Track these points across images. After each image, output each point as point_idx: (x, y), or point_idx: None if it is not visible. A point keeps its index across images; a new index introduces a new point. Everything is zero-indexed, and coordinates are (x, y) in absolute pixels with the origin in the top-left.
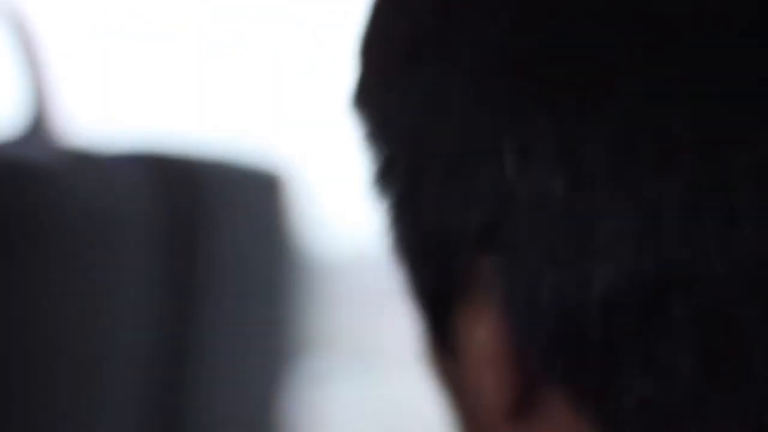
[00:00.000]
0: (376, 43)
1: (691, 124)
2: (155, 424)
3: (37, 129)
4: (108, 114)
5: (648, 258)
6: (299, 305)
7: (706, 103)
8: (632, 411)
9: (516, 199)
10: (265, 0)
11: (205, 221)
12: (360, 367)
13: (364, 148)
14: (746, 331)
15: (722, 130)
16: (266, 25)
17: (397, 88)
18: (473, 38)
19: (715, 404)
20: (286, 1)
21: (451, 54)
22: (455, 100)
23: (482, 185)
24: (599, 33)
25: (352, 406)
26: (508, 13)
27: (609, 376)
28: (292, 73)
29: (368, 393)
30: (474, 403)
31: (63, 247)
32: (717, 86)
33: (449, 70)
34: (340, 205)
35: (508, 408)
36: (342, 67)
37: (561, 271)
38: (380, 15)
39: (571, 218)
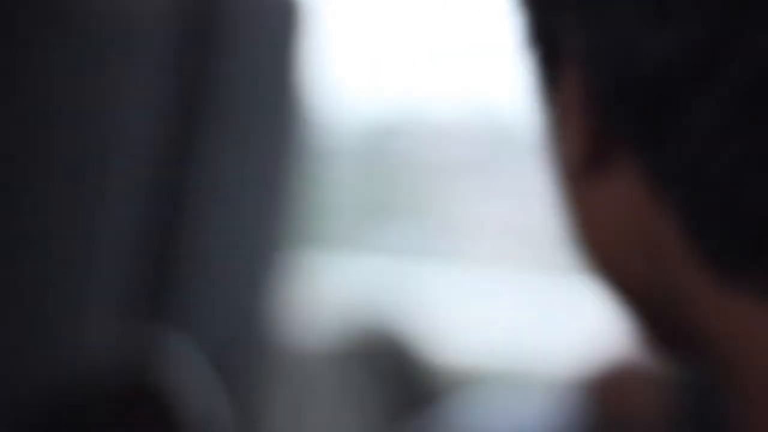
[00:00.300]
0: None
1: None
2: (153, 243)
3: None
4: None
5: (701, 23)
6: (305, 145)
7: None
8: (681, 169)
9: None
10: None
11: (218, 38)
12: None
13: None
14: None
15: None
16: None
17: None
18: None
19: (761, 170)
20: None
21: None
22: None
23: None
24: None
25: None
26: None
27: (661, 133)
28: None
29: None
30: (561, 152)
31: (75, 41)
32: None
33: None
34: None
35: (582, 159)
36: None
37: (626, 27)
38: None
39: None
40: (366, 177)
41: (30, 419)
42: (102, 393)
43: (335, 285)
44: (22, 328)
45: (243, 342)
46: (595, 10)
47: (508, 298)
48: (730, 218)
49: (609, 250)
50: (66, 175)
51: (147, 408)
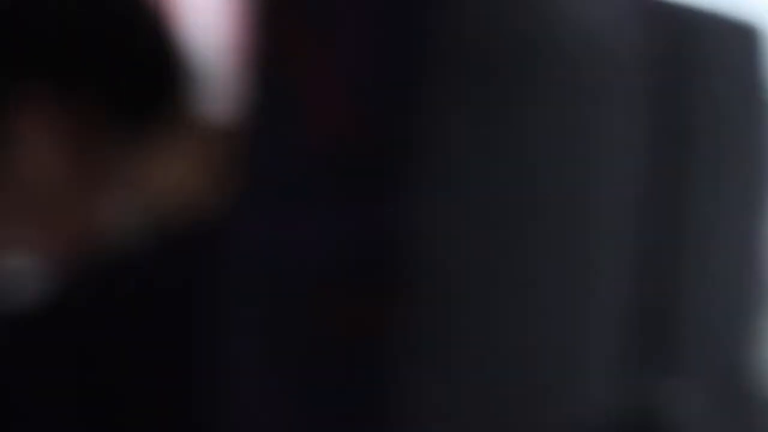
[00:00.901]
0: None
1: None
2: (645, 291)
3: None
4: None
5: None
6: None
7: None
8: None
9: None
10: None
11: (687, 68)
12: None
13: None
14: None
15: None
16: None
17: None
18: None
19: None
20: None
21: None
22: None
23: None
24: None
25: None
26: None
27: None
28: None
29: None
30: None
31: (554, 70)
32: None
33: None
34: None
35: None
36: None
37: None
38: None
39: None
40: None
41: None
42: None
43: None
44: (528, 385)
45: (730, 394)
46: None
47: None
48: None
49: None
50: (551, 219)
51: None
